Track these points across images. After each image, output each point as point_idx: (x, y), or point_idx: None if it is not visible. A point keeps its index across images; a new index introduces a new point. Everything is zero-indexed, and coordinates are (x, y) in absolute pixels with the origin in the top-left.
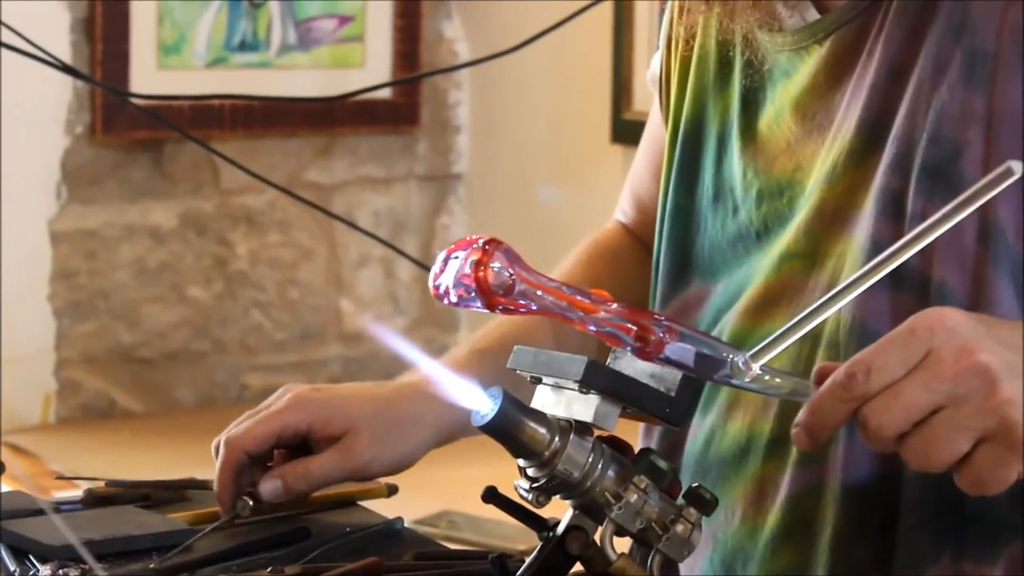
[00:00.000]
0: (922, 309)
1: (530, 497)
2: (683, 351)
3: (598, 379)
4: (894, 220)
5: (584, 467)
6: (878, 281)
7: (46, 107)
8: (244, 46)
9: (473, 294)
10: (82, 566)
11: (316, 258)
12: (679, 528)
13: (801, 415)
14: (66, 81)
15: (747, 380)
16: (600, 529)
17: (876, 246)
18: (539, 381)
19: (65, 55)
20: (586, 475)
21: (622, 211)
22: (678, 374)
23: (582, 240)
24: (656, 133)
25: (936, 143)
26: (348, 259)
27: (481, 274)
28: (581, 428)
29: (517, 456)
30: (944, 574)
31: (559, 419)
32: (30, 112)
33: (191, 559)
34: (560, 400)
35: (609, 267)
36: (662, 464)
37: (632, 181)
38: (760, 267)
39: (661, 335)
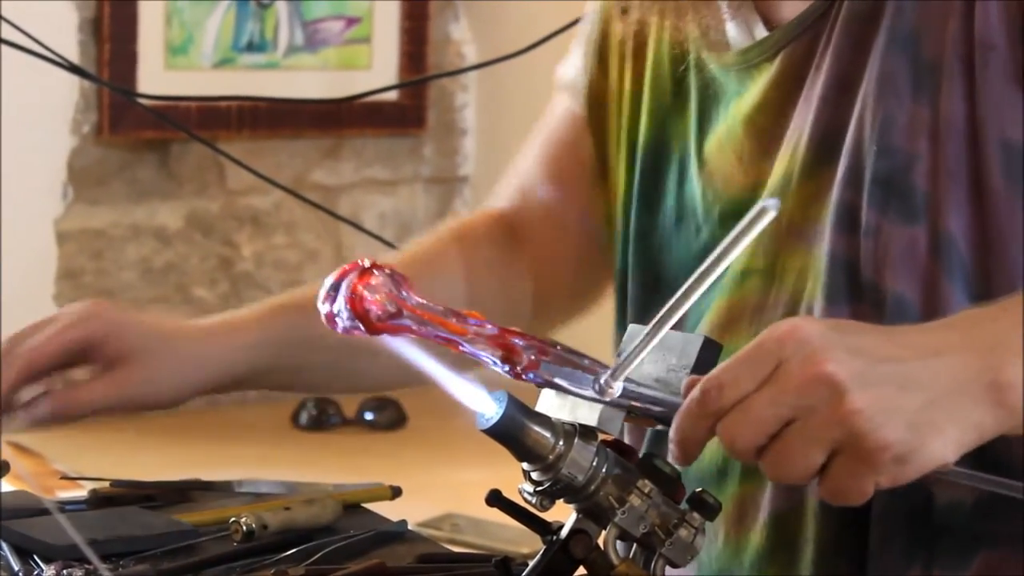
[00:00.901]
0: (880, 322)
1: (534, 501)
2: (551, 371)
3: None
4: (849, 233)
5: (588, 471)
6: (838, 295)
7: (53, 107)
8: (251, 47)
9: (356, 325)
10: (86, 566)
11: (321, 259)
12: (682, 533)
13: (671, 432)
14: (73, 81)
15: (611, 398)
16: (604, 533)
17: (834, 260)
18: (545, 385)
19: (72, 55)
20: (590, 479)
21: (502, 197)
22: (683, 378)
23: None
24: (555, 128)
25: (886, 155)
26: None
27: (357, 302)
28: (585, 432)
29: (521, 460)
30: None
31: (563, 423)
32: (37, 112)
33: (196, 560)
34: (565, 404)
35: (459, 247)
36: (666, 469)
37: (517, 170)
38: (721, 285)
39: (529, 357)
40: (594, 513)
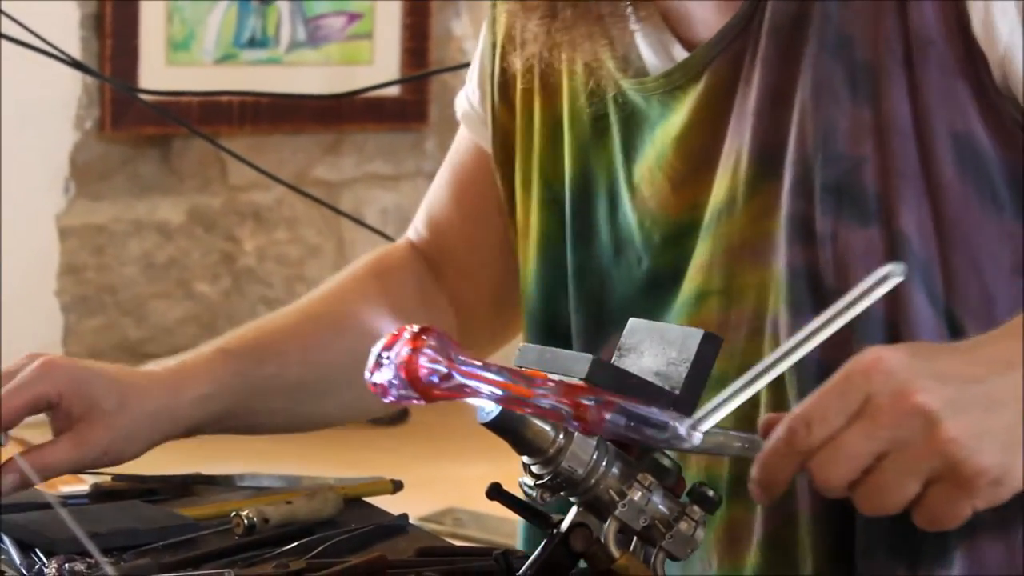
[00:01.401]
0: (845, 331)
1: (534, 494)
2: (621, 424)
3: (603, 376)
4: (805, 244)
5: (588, 464)
6: (802, 306)
7: (55, 102)
8: (253, 43)
9: (410, 390)
10: (88, 560)
11: (323, 255)
12: (683, 526)
13: (753, 471)
14: (75, 77)
15: (693, 445)
16: (604, 526)
17: (794, 272)
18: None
19: (75, 51)
20: (590, 472)
21: (415, 229)
22: (683, 372)
23: (364, 255)
24: (463, 161)
25: (832, 161)
26: (355, 255)
27: (413, 370)
28: None
29: (522, 453)
30: None
31: None
32: (39, 107)
33: (197, 554)
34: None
35: (382, 285)
36: (666, 462)
37: (430, 201)
38: (678, 309)
39: (597, 411)
40: (594, 506)
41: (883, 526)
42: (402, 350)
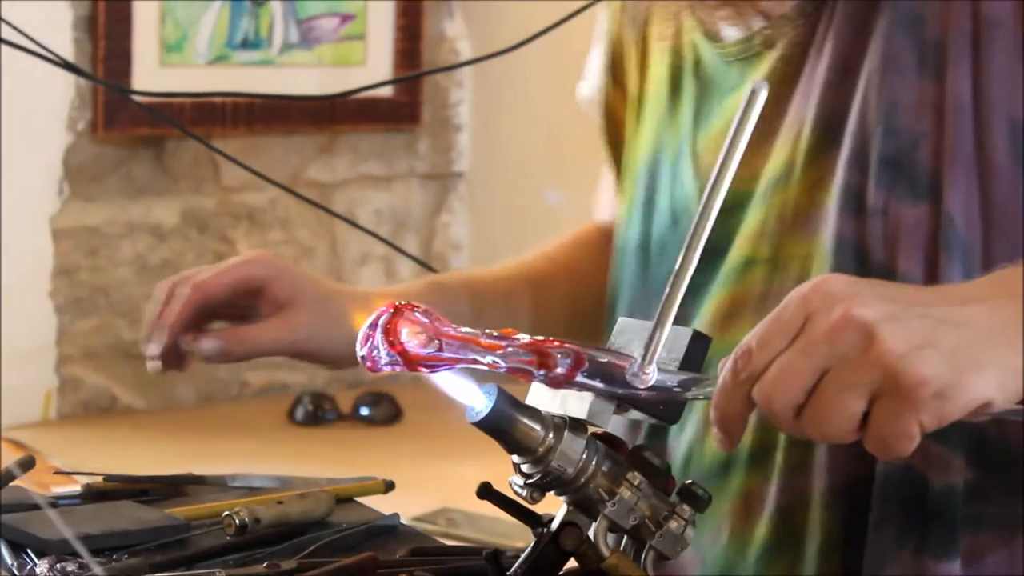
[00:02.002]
0: None
1: (524, 493)
2: (589, 376)
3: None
4: (855, 216)
5: (578, 464)
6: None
7: (48, 104)
8: (246, 44)
9: (395, 360)
10: (79, 560)
11: (317, 256)
12: (672, 525)
13: (711, 413)
14: (68, 78)
15: (647, 385)
16: (594, 525)
17: (842, 243)
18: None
19: (67, 52)
20: (580, 471)
21: (602, 211)
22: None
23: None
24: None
25: (892, 135)
26: (349, 257)
27: (395, 334)
28: (575, 425)
29: (511, 452)
30: (906, 570)
31: (553, 416)
32: (32, 109)
33: (188, 554)
34: (555, 397)
35: (585, 252)
36: (656, 461)
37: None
38: (723, 278)
39: (566, 363)
40: (584, 505)
41: (895, 507)
42: (386, 317)
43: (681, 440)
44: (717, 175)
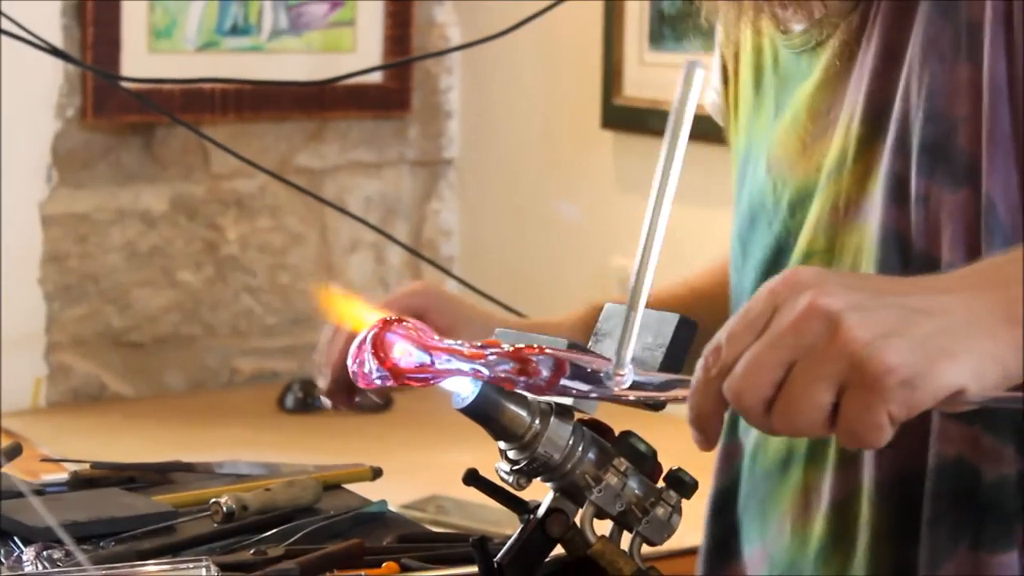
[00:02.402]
0: None
1: (511, 480)
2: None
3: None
4: (900, 205)
5: (564, 450)
6: (891, 269)
7: (37, 91)
8: (235, 30)
9: (384, 375)
10: (66, 548)
11: (306, 243)
12: (659, 511)
13: (687, 413)
14: (57, 65)
15: (623, 387)
16: (580, 512)
17: (886, 233)
18: None
19: (56, 39)
20: (566, 457)
21: None
22: (659, 357)
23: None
24: None
25: (931, 120)
26: (339, 244)
27: (382, 349)
28: (562, 411)
29: (497, 438)
30: (961, 565)
31: (540, 402)
32: (21, 95)
33: (175, 541)
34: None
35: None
36: (643, 447)
37: None
38: (783, 267)
39: (547, 369)
40: (571, 492)
41: (948, 502)
42: (374, 332)
43: (748, 440)
44: (665, 160)
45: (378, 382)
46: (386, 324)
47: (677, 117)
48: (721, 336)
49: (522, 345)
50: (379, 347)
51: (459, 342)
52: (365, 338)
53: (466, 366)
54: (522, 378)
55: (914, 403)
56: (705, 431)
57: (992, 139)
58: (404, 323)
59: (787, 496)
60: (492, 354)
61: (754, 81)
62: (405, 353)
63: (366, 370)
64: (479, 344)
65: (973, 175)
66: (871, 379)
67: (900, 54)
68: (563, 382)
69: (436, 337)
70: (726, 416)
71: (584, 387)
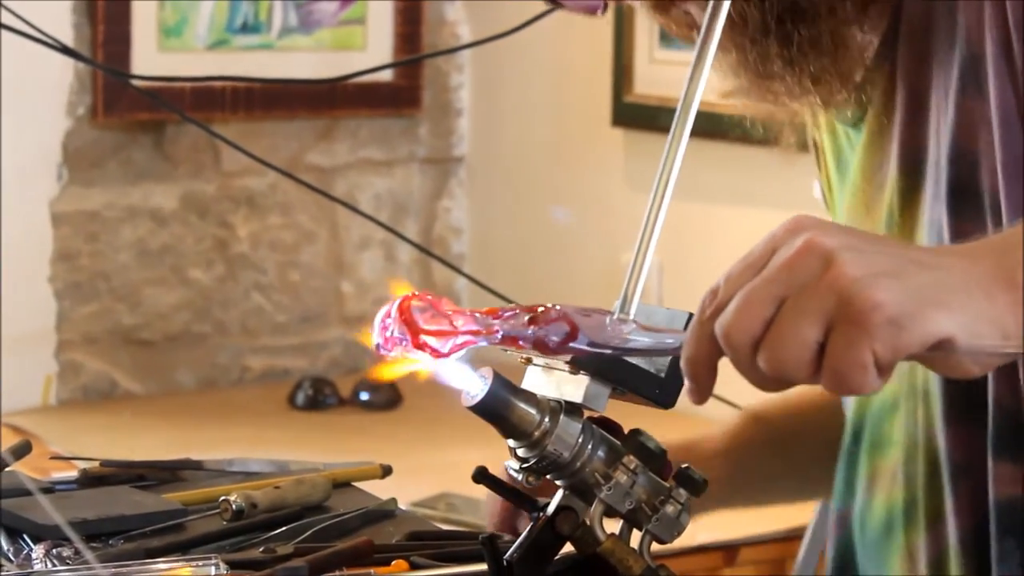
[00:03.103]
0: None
1: (520, 478)
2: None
3: (589, 359)
4: None
5: (574, 447)
6: None
7: (47, 88)
8: (246, 28)
9: (405, 339)
10: (75, 546)
11: (317, 240)
12: (669, 509)
13: (681, 360)
14: (67, 63)
15: (624, 336)
16: (590, 510)
17: None
18: (530, 362)
19: (67, 37)
20: (576, 455)
21: None
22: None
23: None
24: None
25: (954, 161)
26: (349, 241)
27: (406, 310)
28: (571, 409)
29: (507, 437)
30: None
31: (549, 400)
32: (31, 93)
33: (184, 539)
34: (550, 381)
35: None
36: (652, 445)
37: None
38: None
39: (561, 332)
40: (580, 490)
41: (1015, 537)
42: (398, 301)
43: (855, 504)
44: (688, 87)
45: (399, 349)
46: (407, 297)
47: (703, 47)
48: (720, 277)
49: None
50: (405, 314)
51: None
52: (390, 310)
53: (482, 326)
54: (531, 329)
55: (900, 344)
56: (697, 378)
57: (1008, 172)
58: (424, 295)
59: (895, 558)
60: (505, 311)
61: (836, 161)
62: (429, 319)
63: (390, 335)
64: (495, 311)
65: (995, 212)
66: (857, 314)
67: (925, 99)
68: (573, 344)
69: (452, 307)
70: (838, 481)
71: (592, 348)
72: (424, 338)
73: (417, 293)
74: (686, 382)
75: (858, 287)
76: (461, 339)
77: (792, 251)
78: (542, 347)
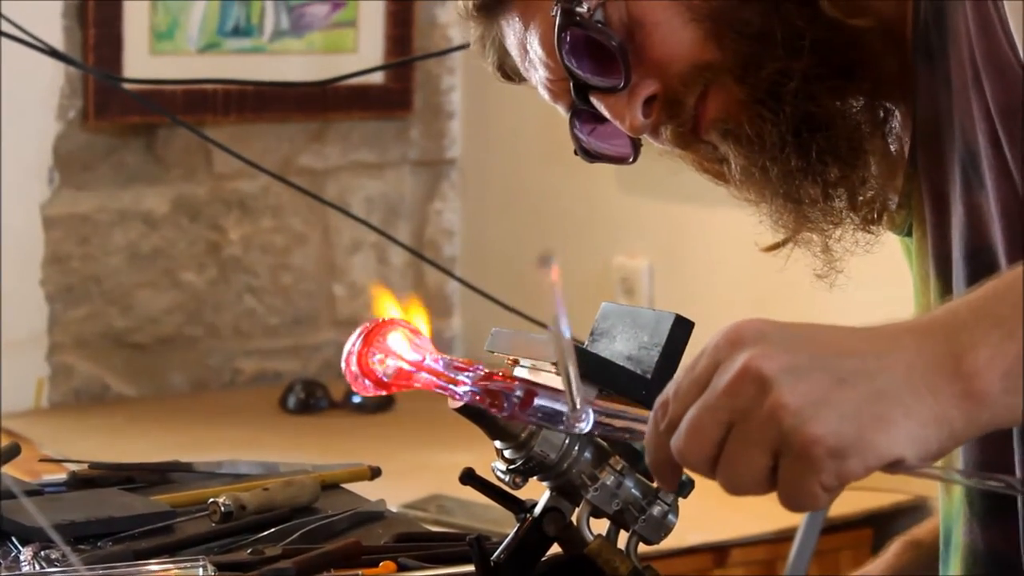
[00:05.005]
0: (1009, 445)
1: (507, 479)
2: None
3: (581, 364)
4: None
5: (561, 449)
6: None
7: (38, 92)
8: (237, 31)
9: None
10: (63, 548)
11: (309, 243)
12: (655, 510)
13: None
14: (58, 66)
15: (583, 431)
16: (577, 511)
17: None
18: (517, 363)
19: (58, 40)
20: (563, 457)
21: None
22: (655, 356)
23: None
24: None
25: (971, 258)
26: (341, 244)
27: (364, 366)
28: None
29: (494, 438)
30: None
31: None
32: (23, 97)
33: (173, 540)
34: (537, 381)
35: None
36: (639, 446)
37: None
38: None
39: (513, 401)
40: (567, 491)
41: None
42: (356, 344)
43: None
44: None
45: (366, 388)
46: (370, 336)
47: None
48: (669, 390)
49: (495, 371)
50: (360, 362)
51: (440, 362)
52: (351, 351)
53: (452, 383)
54: (492, 409)
55: (844, 473)
56: (663, 478)
57: (1012, 264)
58: (386, 333)
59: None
60: (469, 379)
61: (918, 272)
62: (387, 366)
63: (354, 375)
64: (459, 366)
65: None
66: (799, 449)
67: (947, 200)
68: (537, 403)
69: (427, 353)
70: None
71: (553, 416)
72: (386, 381)
73: (390, 319)
74: (654, 476)
75: (796, 421)
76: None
77: (731, 376)
78: (508, 418)
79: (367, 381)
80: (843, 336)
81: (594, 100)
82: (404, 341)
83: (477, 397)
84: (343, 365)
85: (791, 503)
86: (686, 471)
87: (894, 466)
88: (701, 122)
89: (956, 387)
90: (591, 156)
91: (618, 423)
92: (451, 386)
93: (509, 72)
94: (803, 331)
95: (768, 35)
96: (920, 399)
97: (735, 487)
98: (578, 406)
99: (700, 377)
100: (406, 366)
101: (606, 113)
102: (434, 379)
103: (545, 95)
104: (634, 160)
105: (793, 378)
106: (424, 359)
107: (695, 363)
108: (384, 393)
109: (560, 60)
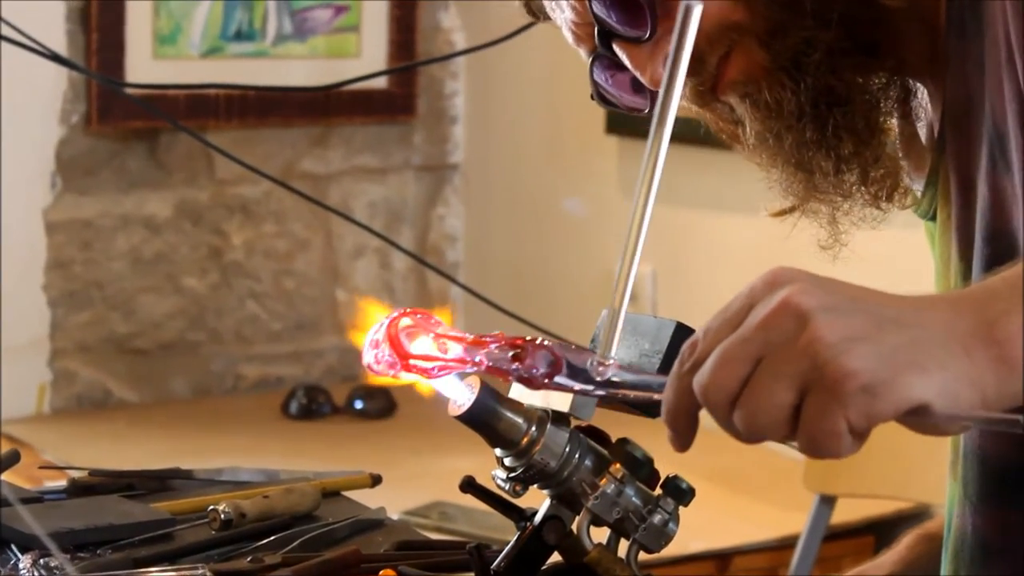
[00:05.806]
0: None
1: (507, 487)
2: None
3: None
4: None
5: (561, 457)
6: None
7: (41, 97)
8: (240, 36)
9: (395, 361)
10: (63, 555)
11: (311, 248)
12: (656, 518)
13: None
14: (61, 71)
15: (605, 377)
16: (577, 519)
17: None
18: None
19: (60, 45)
20: (563, 465)
21: None
22: (656, 364)
23: None
24: None
25: (992, 240)
26: (343, 249)
27: (394, 335)
28: (558, 418)
29: (494, 446)
30: None
31: (536, 409)
32: (25, 101)
33: (172, 548)
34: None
35: None
36: (639, 454)
37: None
38: None
39: (540, 365)
40: (567, 499)
41: None
42: (385, 323)
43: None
44: (661, 106)
45: (390, 372)
46: (399, 316)
47: (675, 57)
48: (699, 331)
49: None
50: (393, 340)
51: (464, 332)
52: (380, 329)
53: (471, 355)
54: (516, 365)
55: (873, 412)
56: (678, 429)
57: None
58: (415, 314)
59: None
60: (493, 342)
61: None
62: (417, 343)
63: (379, 355)
64: (483, 336)
65: None
66: (830, 382)
67: (973, 182)
68: (558, 379)
69: (443, 327)
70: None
71: (576, 385)
72: (413, 362)
73: (408, 311)
74: (668, 433)
75: (832, 353)
76: (450, 363)
77: (768, 310)
78: (526, 381)
79: (396, 362)
80: (882, 294)
81: (617, 48)
82: (421, 323)
83: (501, 356)
84: (366, 352)
85: (813, 443)
86: (685, 481)
87: (920, 412)
88: (721, 82)
89: (991, 351)
90: (607, 102)
91: (637, 378)
92: (477, 348)
93: (535, 10)
94: (842, 282)
95: (798, 4)
96: (955, 357)
97: (753, 427)
98: (613, 352)
99: (734, 317)
100: (430, 341)
101: (627, 63)
102: (459, 347)
103: (568, 37)
104: (649, 112)
105: (832, 315)
106: (449, 333)
107: (730, 304)
108: (411, 376)
109: (588, 5)
